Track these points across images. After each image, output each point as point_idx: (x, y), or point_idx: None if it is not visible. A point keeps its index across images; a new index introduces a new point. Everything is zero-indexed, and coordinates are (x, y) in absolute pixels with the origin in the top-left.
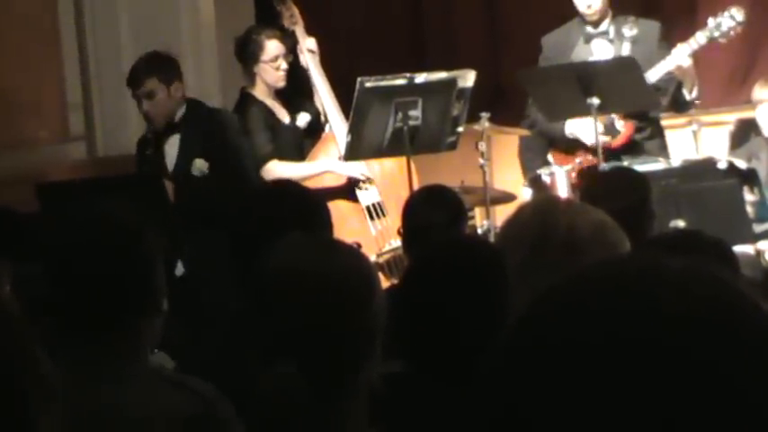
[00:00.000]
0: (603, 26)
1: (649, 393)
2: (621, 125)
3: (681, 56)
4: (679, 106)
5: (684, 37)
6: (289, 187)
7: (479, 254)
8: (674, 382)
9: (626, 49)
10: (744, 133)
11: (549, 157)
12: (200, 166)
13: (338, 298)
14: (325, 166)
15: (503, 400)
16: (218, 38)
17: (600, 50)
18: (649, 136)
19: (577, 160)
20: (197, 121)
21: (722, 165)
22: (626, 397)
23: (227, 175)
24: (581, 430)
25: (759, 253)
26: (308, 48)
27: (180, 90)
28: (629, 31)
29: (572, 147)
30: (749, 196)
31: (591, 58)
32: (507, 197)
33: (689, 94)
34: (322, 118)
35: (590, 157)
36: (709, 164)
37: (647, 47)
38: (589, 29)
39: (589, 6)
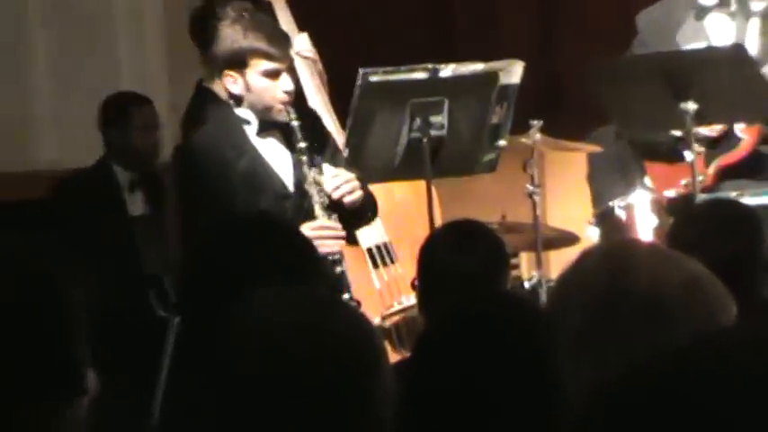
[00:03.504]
0: None
1: None
2: (742, 131)
3: None
4: None
5: None
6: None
7: (522, 317)
8: None
9: (754, 29)
10: None
11: (647, 179)
12: None
13: (329, 377)
14: None
15: None
16: (166, 10)
17: (717, 30)
18: None
19: (683, 182)
20: None
21: None
22: None
23: None
24: None
25: None
26: (297, 52)
27: None
28: (760, 2)
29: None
30: None
31: (703, 42)
32: (566, 239)
33: None
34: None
35: (701, 178)
36: None
37: None
38: (702, 0)
39: None
